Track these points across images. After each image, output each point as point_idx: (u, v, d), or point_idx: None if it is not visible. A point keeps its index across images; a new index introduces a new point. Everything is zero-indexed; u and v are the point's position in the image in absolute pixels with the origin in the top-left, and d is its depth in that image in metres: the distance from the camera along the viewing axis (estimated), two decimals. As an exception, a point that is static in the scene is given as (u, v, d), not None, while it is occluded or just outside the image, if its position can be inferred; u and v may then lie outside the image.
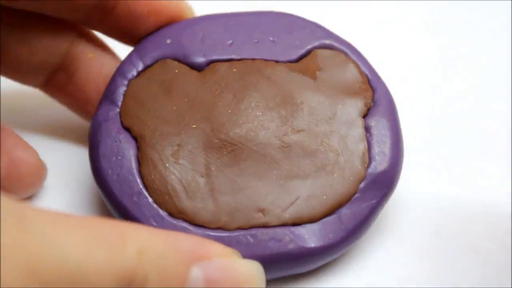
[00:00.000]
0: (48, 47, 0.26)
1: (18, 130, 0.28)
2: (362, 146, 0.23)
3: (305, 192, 0.23)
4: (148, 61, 0.25)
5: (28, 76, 0.26)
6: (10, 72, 0.26)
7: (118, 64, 0.26)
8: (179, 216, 0.22)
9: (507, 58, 0.32)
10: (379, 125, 0.24)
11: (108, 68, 0.26)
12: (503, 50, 0.32)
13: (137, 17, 0.25)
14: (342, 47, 0.25)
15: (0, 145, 0.24)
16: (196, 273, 0.19)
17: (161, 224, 0.22)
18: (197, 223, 0.22)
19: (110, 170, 0.23)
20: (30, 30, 0.25)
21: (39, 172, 0.25)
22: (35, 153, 0.25)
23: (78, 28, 0.26)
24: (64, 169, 0.27)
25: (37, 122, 0.29)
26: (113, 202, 0.23)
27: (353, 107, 0.24)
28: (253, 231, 0.22)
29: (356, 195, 0.23)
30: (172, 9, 0.25)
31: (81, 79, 0.26)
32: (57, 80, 0.27)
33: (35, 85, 0.27)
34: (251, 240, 0.22)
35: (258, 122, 0.23)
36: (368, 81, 0.24)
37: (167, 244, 0.19)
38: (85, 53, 0.26)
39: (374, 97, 0.24)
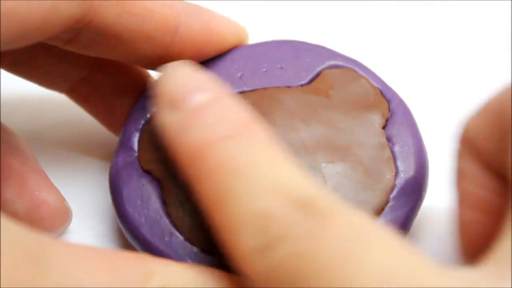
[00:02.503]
0: (74, 59, 0.26)
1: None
2: (387, 156, 0.23)
3: (338, 208, 0.22)
4: (160, 105, 0.25)
5: (53, 84, 0.27)
6: (35, 79, 0.26)
7: (145, 78, 0.27)
8: (214, 249, 0.22)
9: (508, 58, 0.32)
10: (400, 133, 0.24)
11: (134, 82, 0.27)
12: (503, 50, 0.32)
13: (199, 50, 0.24)
14: (350, 65, 0.25)
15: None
16: None
17: (196, 261, 0.22)
18: (234, 254, 0.22)
19: (136, 214, 0.23)
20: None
21: (61, 216, 0.24)
22: (59, 196, 0.24)
23: None
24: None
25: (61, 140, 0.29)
26: (144, 245, 0.22)
27: (371, 120, 0.24)
28: (292, 254, 0.22)
29: (389, 205, 0.23)
30: (233, 37, 0.25)
31: (104, 91, 0.26)
32: (81, 90, 0.27)
33: (60, 91, 0.27)
34: (291, 263, 0.21)
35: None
36: (381, 93, 0.25)
37: (194, 280, 0.19)
38: (110, 66, 0.26)
39: (390, 107, 0.24)
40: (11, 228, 0.16)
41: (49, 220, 0.24)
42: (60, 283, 0.16)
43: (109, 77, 0.27)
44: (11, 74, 0.26)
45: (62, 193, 0.25)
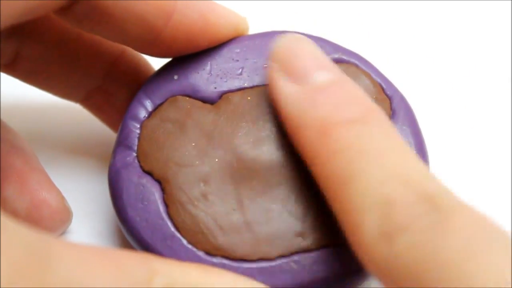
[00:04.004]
0: (88, 69, 0.26)
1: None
2: (389, 156, 0.23)
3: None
4: (158, 100, 0.24)
5: (68, 93, 0.27)
6: (50, 88, 0.26)
7: None
8: (216, 253, 0.22)
9: (508, 58, 0.32)
10: (401, 133, 0.23)
11: None
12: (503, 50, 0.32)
13: (192, 40, 0.24)
14: (352, 59, 0.25)
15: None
16: None
17: (199, 265, 0.22)
18: (236, 257, 0.22)
19: (138, 218, 0.22)
20: (70, 51, 0.25)
21: (61, 216, 0.24)
22: (60, 196, 0.24)
23: (118, 50, 0.26)
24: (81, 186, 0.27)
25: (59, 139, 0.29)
26: (146, 249, 0.22)
27: (373, 119, 0.24)
28: (295, 257, 0.22)
29: (391, 206, 0.23)
30: (229, 29, 0.25)
31: (118, 100, 0.26)
32: (95, 99, 0.27)
33: (74, 101, 0.27)
34: (295, 266, 0.22)
35: (282, 146, 0.23)
36: (383, 90, 0.24)
37: (197, 278, 0.19)
38: (124, 75, 0.26)
39: (391, 105, 0.24)
40: (12, 227, 0.16)
41: (49, 220, 0.24)
42: (64, 282, 0.16)
43: (123, 86, 0.26)
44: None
45: (62, 192, 0.24)
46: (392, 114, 0.24)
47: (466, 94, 0.30)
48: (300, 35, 0.22)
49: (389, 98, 0.24)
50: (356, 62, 0.25)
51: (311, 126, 0.20)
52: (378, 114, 0.20)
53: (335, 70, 0.21)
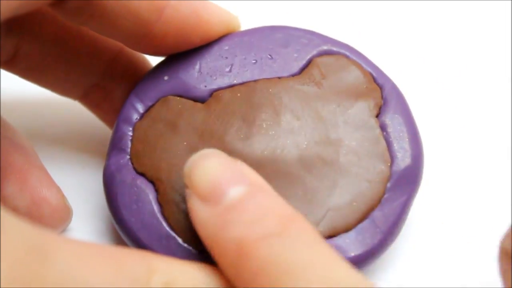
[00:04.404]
0: (86, 66, 0.26)
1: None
2: (382, 146, 0.23)
3: (334, 203, 0.22)
4: (149, 102, 0.24)
5: (66, 90, 0.27)
6: (49, 85, 0.27)
7: None
8: (212, 251, 0.22)
9: (507, 57, 0.31)
10: (394, 121, 0.23)
11: None
12: (503, 49, 0.32)
13: (183, 36, 0.24)
14: (341, 50, 0.25)
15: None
16: None
17: (195, 263, 0.22)
18: (232, 255, 0.22)
19: (133, 219, 0.23)
20: (69, 48, 0.26)
21: (61, 214, 0.24)
22: (60, 194, 0.24)
23: (116, 47, 0.26)
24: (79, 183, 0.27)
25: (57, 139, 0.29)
26: (142, 249, 0.22)
27: (364, 109, 0.23)
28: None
29: (386, 196, 0.22)
30: (221, 27, 0.25)
31: (116, 98, 0.26)
32: (94, 96, 0.27)
33: (73, 98, 0.27)
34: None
35: (273, 141, 0.23)
36: (374, 79, 0.24)
37: (195, 277, 0.19)
38: (122, 73, 0.26)
39: (383, 94, 0.24)
40: (13, 222, 0.16)
41: (49, 218, 0.24)
42: (63, 278, 0.16)
43: (122, 83, 0.27)
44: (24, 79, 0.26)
45: (62, 190, 0.24)
46: (383, 103, 0.24)
47: (460, 82, 0.30)
48: (209, 150, 0.20)
49: (380, 87, 0.24)
50: (346, 52, 0.25)
51: (228, 249, 0.18)
52: (298, 223, 0.18)
53: (249, 178, 0.19)
